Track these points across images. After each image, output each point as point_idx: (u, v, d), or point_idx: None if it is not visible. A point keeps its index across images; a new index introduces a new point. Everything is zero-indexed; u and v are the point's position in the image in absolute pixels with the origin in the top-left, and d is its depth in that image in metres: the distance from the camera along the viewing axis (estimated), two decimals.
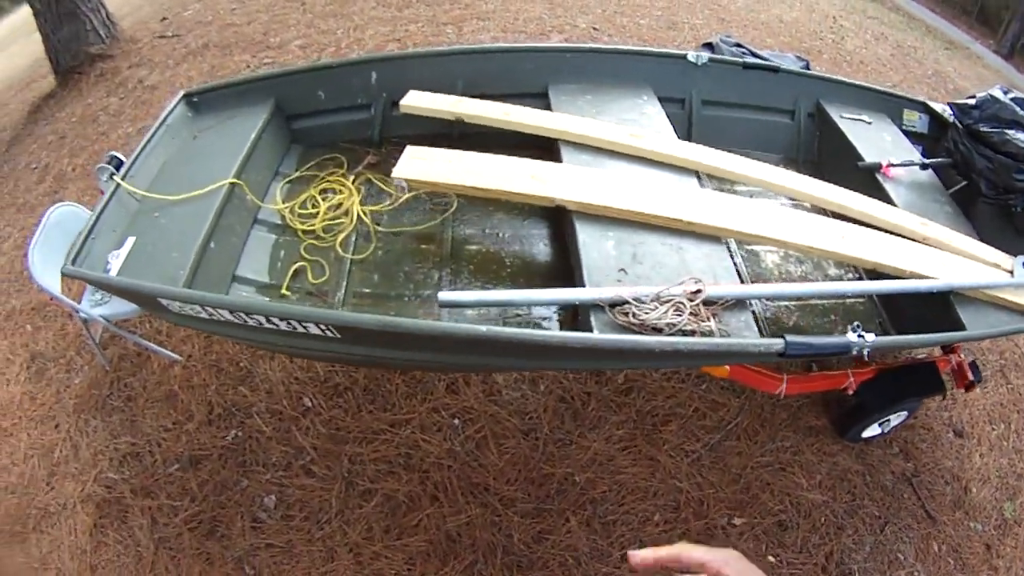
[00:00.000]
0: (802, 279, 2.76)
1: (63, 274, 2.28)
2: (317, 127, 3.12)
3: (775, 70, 3.09)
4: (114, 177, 2.55)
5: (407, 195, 2.76)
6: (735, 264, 2.56)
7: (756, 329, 2.07)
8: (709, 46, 5.44)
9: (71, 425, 3.25)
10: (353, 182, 3.04)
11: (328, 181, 3.06)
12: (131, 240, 2.42)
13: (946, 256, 2.43)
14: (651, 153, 2.52)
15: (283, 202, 2.96)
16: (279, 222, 2.91)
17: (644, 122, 2.71)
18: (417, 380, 3.08)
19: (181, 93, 2.94)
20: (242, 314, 1.95)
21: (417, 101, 2.80)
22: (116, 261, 2.35)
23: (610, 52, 2.93)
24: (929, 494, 3.02)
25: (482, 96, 2.84)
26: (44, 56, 5.95)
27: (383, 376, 3.11)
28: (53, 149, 5.20)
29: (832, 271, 2.87)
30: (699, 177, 2.66)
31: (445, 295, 2.09)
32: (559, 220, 2.61)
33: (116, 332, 3.08)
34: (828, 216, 2.66)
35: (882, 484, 3.00)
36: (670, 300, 1.95)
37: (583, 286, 2.07)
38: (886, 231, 2.50)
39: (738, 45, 5.31)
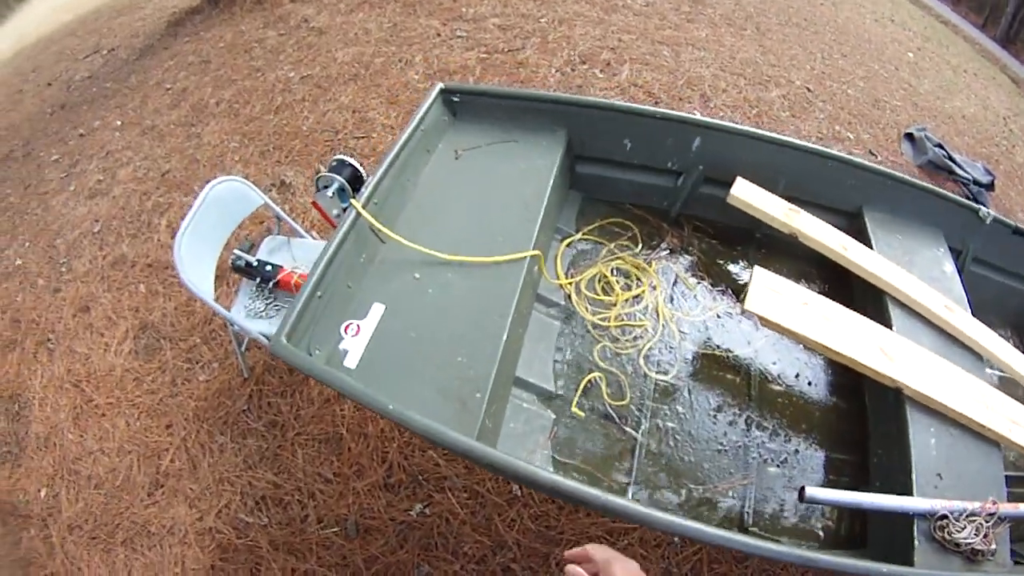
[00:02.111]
0: None
1: (273, 354, 1.41)
2: (607, 179, 2.28)
3: None
4: (353, 202, 1.70)
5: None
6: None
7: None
8: (910, 137, 4.90)
9: (189, 433, 2.38)
10: (650, 266, 2.21)
11: (622, 258, 2.22)
12: (378, 309, 1.61)
13: None
14: (961, 334, 1.95)
15: (564, 273, 2.14)
16: (562, 302, 2.08)
17: (945, 283, 2.09)
18: None
19: (438, 87, 2.07)
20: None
21: (747, 194, 2.08)
22: (354, 344, 1.53)
23: (924, 190, 2.23)
24: None
25: (791, 199, 2.16)
26: None
27: None
28: (194, 72, 4.32)
29: None
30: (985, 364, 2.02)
31: (813, 492, 1.57)
32: (868, 388, 1.97)
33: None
34: None
35: None
36: (975, 517, 1.52)
37: (903, 489, 1.61)
38: None
39: (939, 146, 4.75)
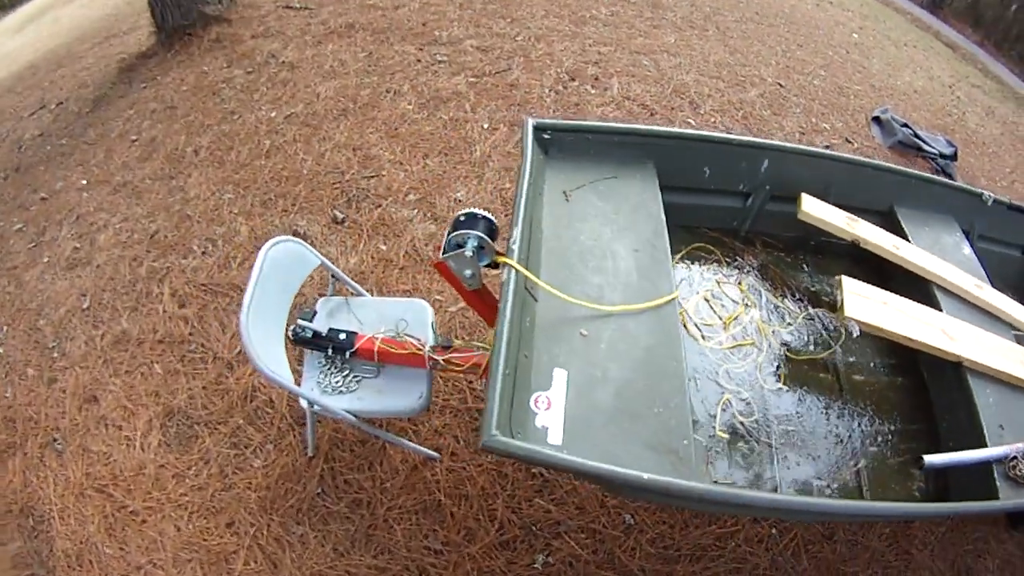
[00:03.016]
0: None
1: (486, 449, 1.21)
2: (687, 206, 2.27)
3: None
4: (507, 260, 1.53)
5: (844, 335, 2.22)
6: None
7: None
8: (878, 120, 5.08)
9: (259, 529, 2.11)
10: (740, 286, 2.29)
11: (717, 282, 2.27)
12: (560, 376, 1.46)
13: None
14: (990, 306, 2.31)
15: None
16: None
17: (968, 264, 2.42)
18: None
19: (531, 124, 1.93)
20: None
21: (814, 209, 2.25)
22: (550, 418, 1.38)
23: (942, 185, 2.61)
24: None
25: (839, 205, 2.38)
26: (120, 8, 4.71)
27: None
28: (160, 120, 3.95)
29: None
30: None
31: (931, 459, 1.87)
32: (925, 363, 2.24)
33: (365, 430, 1.96)
34: None
35: None
36: None
37: (976, 443, 1.90)
38: None
39: (905, 125, 4.94)
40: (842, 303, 2.01)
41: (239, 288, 2.76)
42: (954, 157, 4.98)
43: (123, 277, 3.00)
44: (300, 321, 1.88)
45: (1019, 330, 2.32)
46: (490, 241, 1.60)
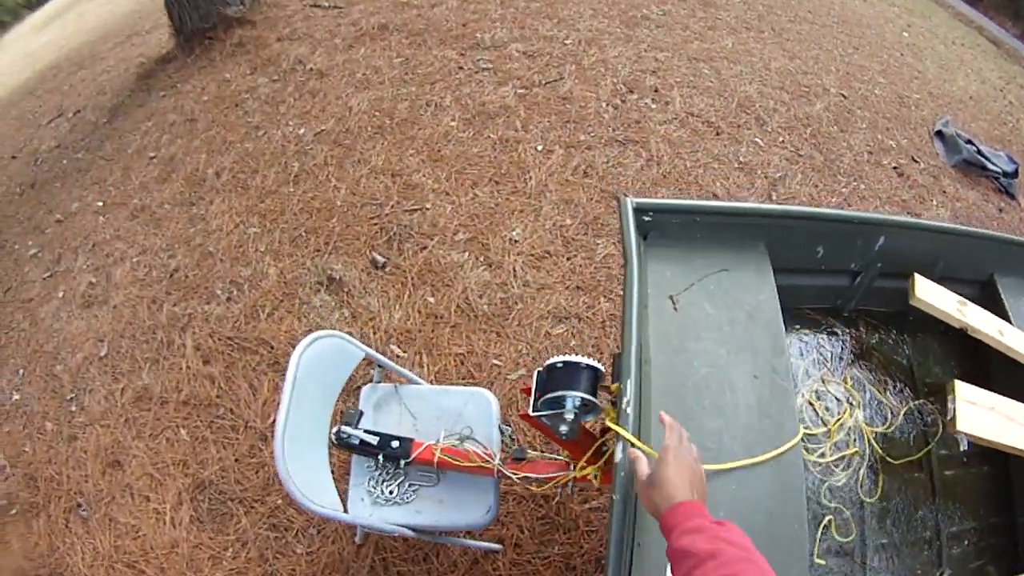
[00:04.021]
0: None
1: None
2: (793, 287, 1.94)
3: None
4: (619, 429, 1.19)
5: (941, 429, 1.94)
6: None
7: None
8: (941, 135, 4.74)
9: None
10: (846, 382, 1.93)
11: (822, 379, 1.89)
12: None
13: None
14: None
15: None
16: None
17: None
18: None
19: (630, 206, 1.55)
20: None
21: (927, 295, 1.97)
22: None
23: None
24: None
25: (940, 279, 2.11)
26: (144, 3, 4.36)
27: None
28: (179, 135, 3.61)
29: None
30: None
31: None
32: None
33: (423, 540, 1.65)
34: None
35: None
36: None
37: None
38: None
39: (969, 142, 4.66)
40: (955, 415, 1.77)
41: (268, 345, 2.43)
42: (1015, 174, 4.64)
43: (142, 322, 2.68)
44: (344, 428, 1.55)
45: None
46: (596, 403, 1.28)
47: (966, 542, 1.89)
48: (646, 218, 1.61)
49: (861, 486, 1.81)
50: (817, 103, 4.23)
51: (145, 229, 3.11)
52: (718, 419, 1.40)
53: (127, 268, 2.93)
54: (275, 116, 3.55)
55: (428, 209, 2.83)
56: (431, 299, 2.50)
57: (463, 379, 2.30)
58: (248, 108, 3.66)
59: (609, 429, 1.27)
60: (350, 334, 2.27)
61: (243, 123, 3.56)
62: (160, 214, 3.16)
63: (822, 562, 1.63)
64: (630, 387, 1.23)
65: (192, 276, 2.78)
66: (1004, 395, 1.85)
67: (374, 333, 2.41)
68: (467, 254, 2.65)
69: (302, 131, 3.40)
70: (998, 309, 2.11)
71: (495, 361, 2.32)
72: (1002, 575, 1.83)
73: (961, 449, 1.99)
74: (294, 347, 1.47)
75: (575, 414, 1.26)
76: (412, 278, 2.56)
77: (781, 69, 4.44)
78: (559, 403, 1.27)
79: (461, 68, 3.75)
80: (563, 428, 1.29)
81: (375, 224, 2.78)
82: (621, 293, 2.64)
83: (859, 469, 1.83)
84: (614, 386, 1.35)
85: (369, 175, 3.04)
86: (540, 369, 1.36)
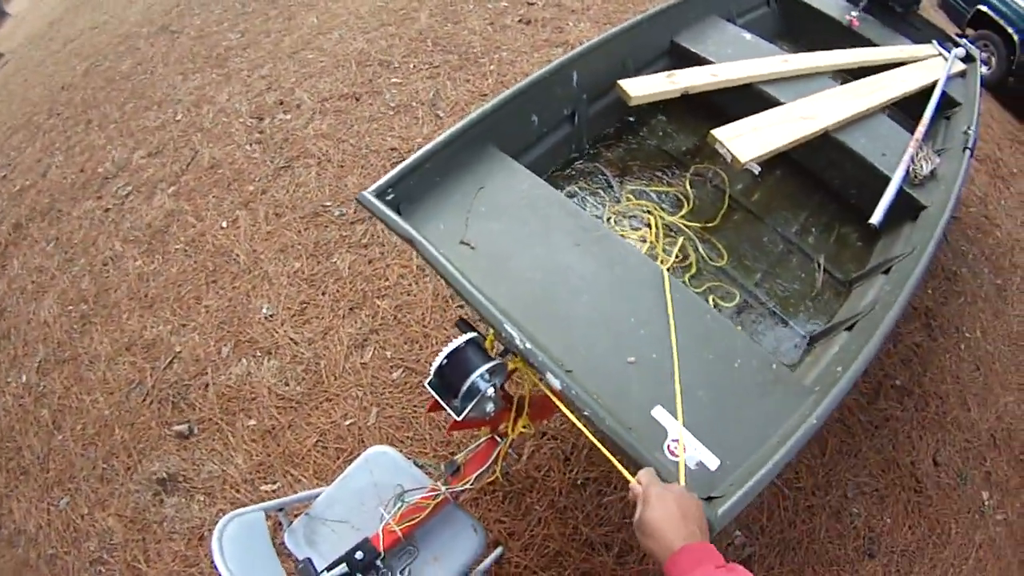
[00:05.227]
0: None
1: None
2: (535, 162, 2.10)
3: None
4: (530, 371, 1.40)
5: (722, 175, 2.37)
6: None
7: None
8: None
9: None
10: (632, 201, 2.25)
11: (611, 215, 2.19)
12: (661, 413, 1.39)
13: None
14: (803, 71, 2.51)
15: None
16: None
17: (759, 48, 2.58)
18: None
19: (369, 196, 1.64)
20: None
21: (640, 90, 2.20)
22: (694, 452, 1.32)
23: None
24: None
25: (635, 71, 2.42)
26: None
27: None
28: None
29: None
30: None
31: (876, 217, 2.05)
32: (797, 153, 2.28)
33: None
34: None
35: None
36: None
37: (877, 182, 2.12)
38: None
39: None
40: (732, 154, 2.02)
41: None
42: None
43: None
44: None
45: (826, 73, 2.54)
46: (499, 362, 1.34)
47: (812, 229, 2.23)
48: (389, 197, 1.66)
49: (709, 259, 2.07)
50: (421, 16, 4.38)
51: None
52: (585, 296, 1.56)
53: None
54: None
55: (180, 351, 2.76)
56: (251, 422, 2.49)
57: (341, 457, 2.33)
58: None
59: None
60: (221, 512, 2.27)
61: None
62: None
63: (739, 328, 1.78)
64: (511, 329, 1.33)
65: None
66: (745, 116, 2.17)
67: (238, 491, 2.36)
68: (243, 360, 2.65)
69: (23, 377, 3.07)
70: (696, 60, 2.42)
71: (348, 422, 2.42)
72: (853, 224, 2.21)
73: (755, 175, 2.32)
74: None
75: (493, 386, 1.31)
76: (220, 419, 2.53)
77: (371, 8, 4.55)
78: (473, 391, 1.30)
79: (107, 209, 3.53)
80: (489, 407, 1.34)
81: (151, 403, 2.67)
82: (388, 287, 2.80)
83: (697, 248, 2.10)
84: (489, 340, 1.44)
85: (109, 366, 2.87)
86: (430, 379, 1.35)
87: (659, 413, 1.37)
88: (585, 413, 1.25)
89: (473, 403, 1.30)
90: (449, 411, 1.32)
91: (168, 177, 3.54)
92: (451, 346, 1.33)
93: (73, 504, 2.57)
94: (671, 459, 1.29)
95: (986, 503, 2.27)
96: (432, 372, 1.33)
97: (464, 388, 1.29)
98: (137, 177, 3.65)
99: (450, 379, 1.32)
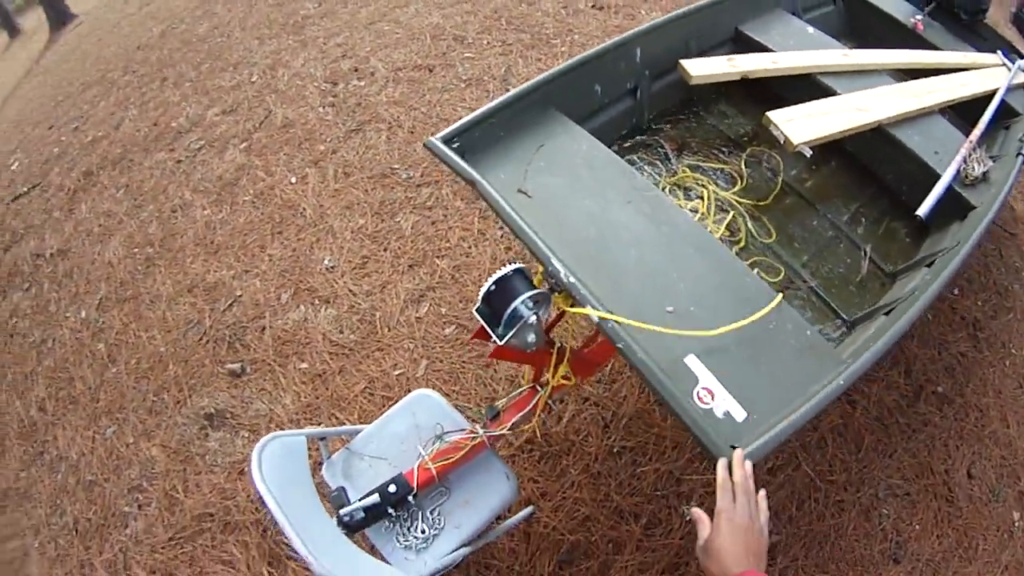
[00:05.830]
0: None
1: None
2: (596, 129, 2.11)
3: None
4: (596, 312, 1.39)
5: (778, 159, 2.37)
6: None
7: None
8: None
9: None
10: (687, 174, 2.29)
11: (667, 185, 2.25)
12: (694, 362, 1.40)
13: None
14: (861, 65, 2.48)
15: None
16: None
17: (821, 40, 2.57)
18: None
19: (437, 142, 1.74)
20: None
21: (701, 70, 2.26)
22: (723, 402, 1.35)
23: None
24: None
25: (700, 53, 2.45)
26: None
27: None
28: None
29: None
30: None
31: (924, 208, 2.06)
32: (851, 143, 2.31)
33: (477, 548, 1.71)
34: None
35: None
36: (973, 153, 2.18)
37: (927, 178, 2.09)
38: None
39: None
40: (786, 136, 2.05)
41: (209, 515, 2.34)
42: None
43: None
44: (341, 512, 1.48)
45: (885, 71, 2.50)
46: (543, 292, 1.38)
47: (862, 219, 2.24)
48: (455, 144, 1.74)
49: (757, 235, 2.10)
50: None
51: None
52: (634, 250, 1.60)
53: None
54: (51, 318, 3.25)
55: (241, 296, 2.77)
56: (303, 365, 2.49)
57: (387, 405, 2.25)
58: (22, 329, 3.33)
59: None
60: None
61: (28, 345, 3.23)
62: None
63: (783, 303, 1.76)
64: (557, 264, 1.38)
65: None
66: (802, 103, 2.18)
67: (282, 430, 2.36)
68: (301, 307, 2.65)
69: (83, 313, 3.15)
70: (759, 49, 2.44)
71: (397, 372, 2.39)
72: (903, 219, 2.21)
73: (808, 158, 2.32)
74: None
75: (535, 315, 1.35)
76: (273, 360, 2.53)
77: None
78: (515, 317, 1.34)
79: (179, 161, 3.60)
80: (531, 337, 1.39)
81: (207, 343, 2.69)
82: (448, 247, 2.77)
83: (746, 223, 2.13)
84: (538, 279, 1.47)
85: (169, 305, 2.91)
86: (477, 306, 1.40)
87: (692, 361, 1.39)
88: (619, 346, 1.29)
89: (515, 329, 1.35)
90: (492, 335, 1.37)
91: (241, 134, 3.59)
92: (499, 273, 1.38)
93: (119, 433, 2.60)
94: (700, 406, 1.32)
95: (1017, 523, 2.14)
96: (480, 298, 1.39)
97: (507, 312, 1.34)
98: (210, 133, 3.71)
99: (496, 306, 1.36)
